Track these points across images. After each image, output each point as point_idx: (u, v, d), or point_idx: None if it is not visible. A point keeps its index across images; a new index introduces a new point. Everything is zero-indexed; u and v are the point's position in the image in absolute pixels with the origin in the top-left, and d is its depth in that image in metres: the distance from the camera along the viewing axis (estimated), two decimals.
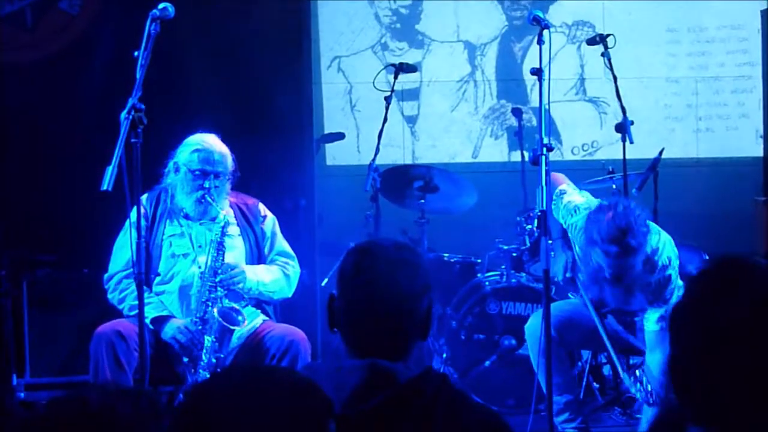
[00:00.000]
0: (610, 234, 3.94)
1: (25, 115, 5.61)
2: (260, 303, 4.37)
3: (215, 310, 4.09)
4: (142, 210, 4.22)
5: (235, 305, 4.17)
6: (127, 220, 3.69)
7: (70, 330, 5.17)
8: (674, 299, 4.21)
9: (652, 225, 4.20)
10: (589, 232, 4.05)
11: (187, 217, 4.30)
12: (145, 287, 3.77)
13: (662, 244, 4.21)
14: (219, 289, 4.13)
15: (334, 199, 6.67)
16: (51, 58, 5.72)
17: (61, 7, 5.74)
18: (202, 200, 4.23)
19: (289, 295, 4.42)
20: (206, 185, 4.23)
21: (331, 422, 1.62)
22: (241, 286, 4.19)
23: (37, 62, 5.72)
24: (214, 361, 4.07)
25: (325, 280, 5.78)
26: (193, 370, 4.08)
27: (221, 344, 4.09)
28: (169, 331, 4.10)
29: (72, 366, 5.11)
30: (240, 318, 4.12)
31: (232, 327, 4.07)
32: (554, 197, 4.50)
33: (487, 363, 5.14)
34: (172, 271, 4.24)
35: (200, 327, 4.09)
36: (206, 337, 4.07)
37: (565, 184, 4.59)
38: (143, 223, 4.11)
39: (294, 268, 4.42)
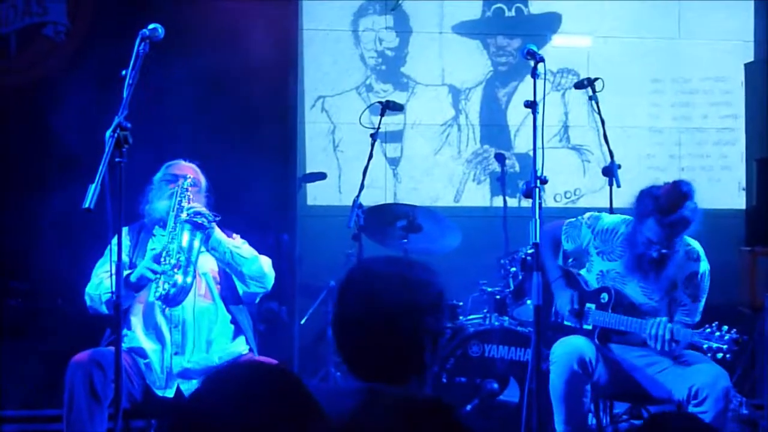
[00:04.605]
0: (671, 198, 4.09)
1: (2, 141, 5.51)
2: (240, 330, 4.25)
3: (183, 215, 4.04)
4: (128, 242, 4.16)
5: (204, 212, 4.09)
6: (110, 243, 3.56)
7: (42, 361, 5.02)
8: (702, 304, 4.34)
9: None
10: (643, 205, 4.17)
11: (164, 225, 4.19)
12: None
13: (696, 243, 4.36)
14: (184, 215, 4.05)
15: (314, 239, 6.59)
16: (34, 84, 5.65)
17: (46, 33, 5.70)
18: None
19: (264, 273, 4.25)
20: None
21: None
22: (208, 219, 4.05)
23: (19, 88, 5.65)
24: (183, 261, 3.99)
25: (304, 319, 5.68)
26: (162, 279, 3.98)
27: (189, 246, 4.00)
28: (138, 268, 4.02)
29: (42, 399, 4.95)
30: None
31: (199, 222, 4.01)
32: (565, 226, 4.55)
33: (469, 407, 5.02)
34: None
35: (170, 240, 4.03)
36: (173, 244, 4.01)
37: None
38: (123, 251, 4.04)
39: (268, 260, 4.31)
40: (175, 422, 1.57)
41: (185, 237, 4.03)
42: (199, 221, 4.03)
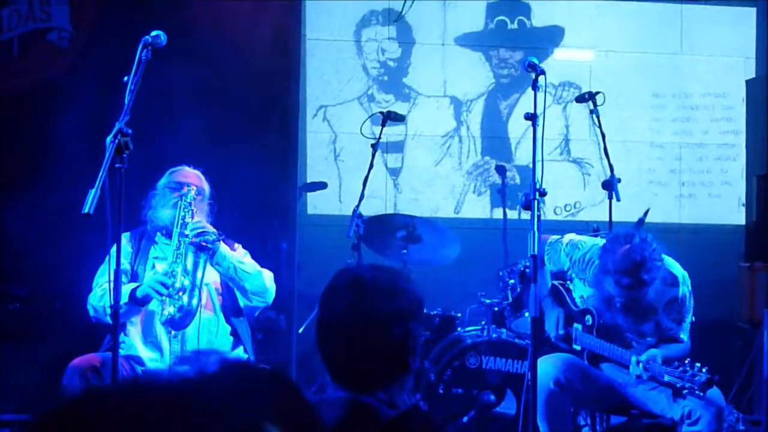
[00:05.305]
0: (625, 266, 4.01)
1: (3, 145, 5.52)
2: (239, 341, 4.25)
3: (187, 232, 4.02)
4: (129, 249, 4.15)
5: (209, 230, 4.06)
6: (111, 247, 3.56)
7: (40, 365, 5.01)
8: (687, 323, 4.30)
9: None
10: (603, 261, 4.12)
11: (167, 234, 4.19)
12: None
13: (674, 264, 4.28)
14: (189, 233, 4.04)
15: (314, 248, 6.59)
16: (36, 89, 5.66)
17: (50, 39, 5.71)
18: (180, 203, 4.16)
19: (266, 288, 4.24)
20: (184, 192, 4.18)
21: None
22: (211, 239, 4.03)
23: (21, 92, 5.65)
24: (189, 285, 3.99)
25: (302, 327, 5.68)
26: (168, 302, 3.98)
27: (194, 268, 4.01)
28: (144, 286, 4.01)
29: (40, 403, 4.94)
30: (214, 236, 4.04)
31: (203, 242, 4.00)
32: (547, 246, 4.51)
33: (465, 419, 5.01)
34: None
35: (175, 259, 4.02)
36: (178, 265, 4.00)
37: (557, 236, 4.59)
38: (125, 258, 4.04)
39: (270, 274, 4.31)
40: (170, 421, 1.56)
41: (189, 260, 4.04)
42: (203, 242, 4.02)
